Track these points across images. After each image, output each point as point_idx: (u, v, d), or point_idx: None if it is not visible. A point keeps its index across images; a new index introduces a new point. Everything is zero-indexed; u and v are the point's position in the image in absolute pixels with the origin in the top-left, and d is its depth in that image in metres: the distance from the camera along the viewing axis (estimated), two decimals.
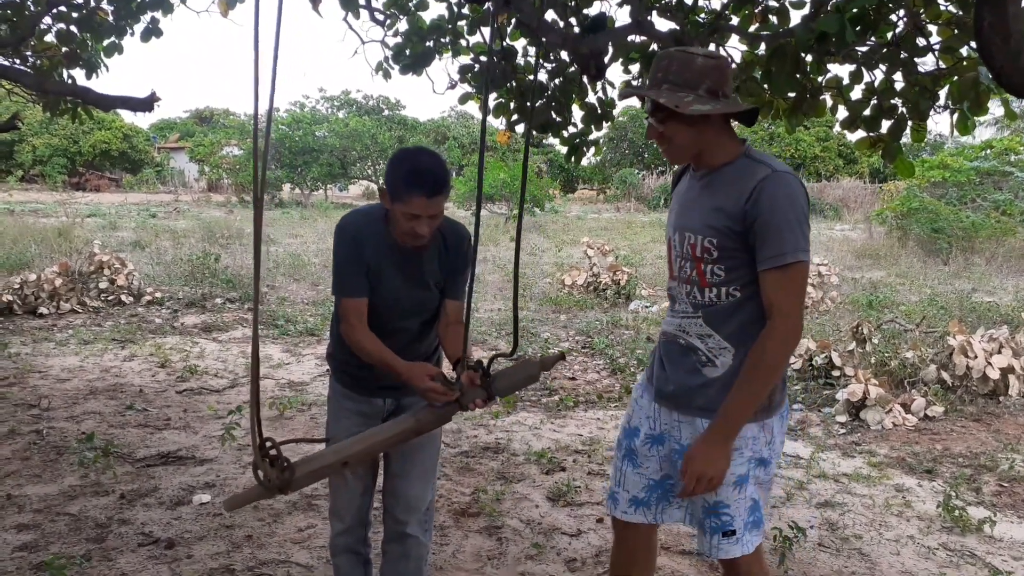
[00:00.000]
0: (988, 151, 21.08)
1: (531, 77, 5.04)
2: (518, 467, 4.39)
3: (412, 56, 4.94)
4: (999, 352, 5.75)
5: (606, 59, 4.39)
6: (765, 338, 1.89)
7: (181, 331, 7.95)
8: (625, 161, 38.52)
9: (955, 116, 3.84)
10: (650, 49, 4.55)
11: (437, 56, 4.99)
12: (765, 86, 4.21)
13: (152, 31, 5.36)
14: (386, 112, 36.73)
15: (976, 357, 5.66)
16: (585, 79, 4.77)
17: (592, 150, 5.04)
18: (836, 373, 6.00)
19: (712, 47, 4.42)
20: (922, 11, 3.71)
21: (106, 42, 5.53)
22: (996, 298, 10.86)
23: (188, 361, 6.65)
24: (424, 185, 2.11)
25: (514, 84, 4.97)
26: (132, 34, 5.50)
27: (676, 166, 2.28)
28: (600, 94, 4.85)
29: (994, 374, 5.58)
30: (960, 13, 3.68)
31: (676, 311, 2.08)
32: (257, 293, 1.84)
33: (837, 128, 37.93)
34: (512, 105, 5.08)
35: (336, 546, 2.51)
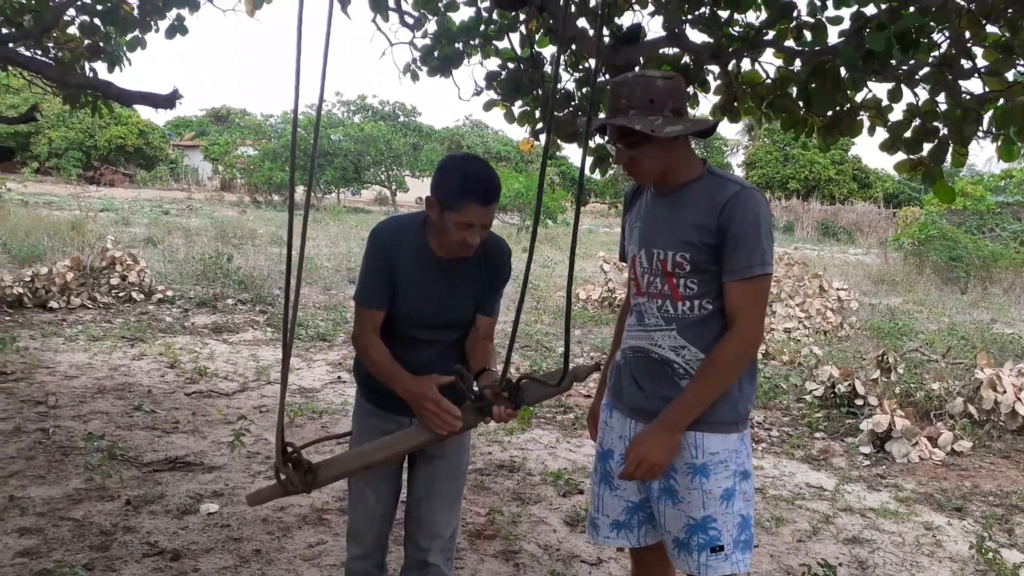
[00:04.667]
0: (1007, 180, 20.91)
1: (555, 86, 4.95)
2: (534, 488, 4.26)
3: (441, 58, 4.85)
4: None
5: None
6: (727, 340, 1.94)
7: (191, 331, 7.85)
8: None
9: (1000, 142, 3.72)
10: (682, 62, 4.46)
11: (466, 58, 4.90)
12: (800, 103, 4.10)
13: (177, 28, 5.29)
14: (402, 118, 36.74)
15: (1005, 391, 5.50)
16: None
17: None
18: (859, 402, 5.84)
19: (746, 62, 4.32)
20: (967, 32, 3.60)
21: (129, 36, 5.46)
22: (1016, 330, 10.68)
23: (198, 362, 6.55)
24: (479, 193, 2.03)
25: (540, 92, 4.88)
26: (157, 30, 5.43)
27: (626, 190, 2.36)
28: None
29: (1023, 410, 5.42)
30: (1007, 35, 3.57)
31: (646, 325, 2.08)
32: (289, 294, 1.73)
33: (853, 150, 37.76)
34: (537, 114, 5.00)
35: (352, 571, 2.39)
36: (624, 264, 2.28)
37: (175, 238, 14.89)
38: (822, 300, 9.33)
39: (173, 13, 5.25)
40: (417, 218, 2.21)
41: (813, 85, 3.83)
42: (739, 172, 45.61)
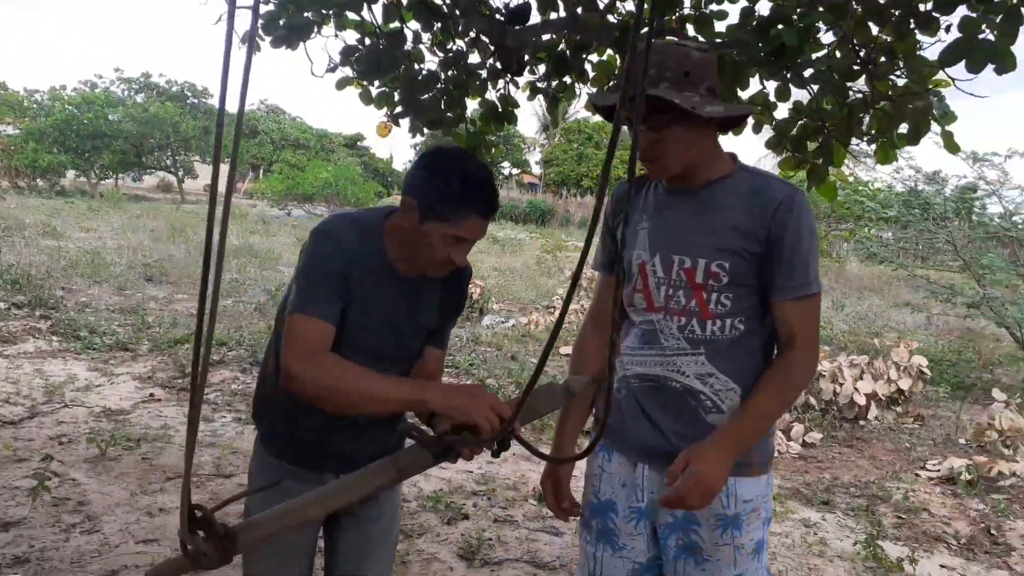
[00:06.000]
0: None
1: (418, 66, 4.53)
2: (414, 516, 3.79)
3: (288, 27, 4.23)
4: (861, 378, 5.93)
5: (525, 55, 3.97)
6: (793, 361, 1.65)
7: None
8: None
9: (877, 144, 3.77)
10: (559, 49, 4.21)
11: (317, 29, 4.32)
12: None
13: None
14: (191, 99, 33.89)
15: (844, 383, 5.78)
16: (485, 74, 4.37)
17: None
18: None
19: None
20: (852, 33, 3.60)
21: None
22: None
23: None
24: (483, 202, 1.59)
25: (401, 71, 4.42)
26: None
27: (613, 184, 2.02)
28: (503, 91, 4.42)
29: (861, 400, 5.72)
30: (889, 39, 3.60)
31: (664, 348, 1.72)
32: (204, 316, 1.19)
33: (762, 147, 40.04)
34: (396, 96, 4.55)
35: None
36: (595, 272, 1.93)
37: None
38: None
39: None
40: (376, 219, 1.69)
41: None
42: (536, 170, 46.79)
